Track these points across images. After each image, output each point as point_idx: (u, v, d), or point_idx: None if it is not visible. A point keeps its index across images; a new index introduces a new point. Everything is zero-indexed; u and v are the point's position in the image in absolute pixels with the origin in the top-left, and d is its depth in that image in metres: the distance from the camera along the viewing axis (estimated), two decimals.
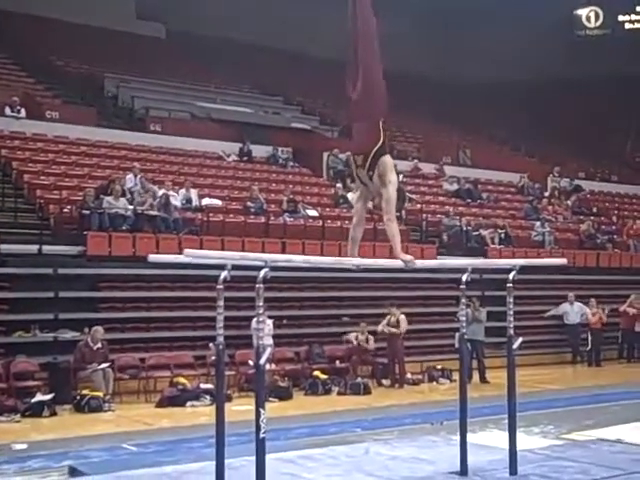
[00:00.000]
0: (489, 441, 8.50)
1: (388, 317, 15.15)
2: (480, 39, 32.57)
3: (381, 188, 6.12)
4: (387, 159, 6.18)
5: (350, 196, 19.65)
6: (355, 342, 15.16)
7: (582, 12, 35.85)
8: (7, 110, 18.42)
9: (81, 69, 23.04)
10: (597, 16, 35.80)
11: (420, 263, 7.06)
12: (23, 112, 18.62)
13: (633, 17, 35.58)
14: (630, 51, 32.69)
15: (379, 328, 15.14)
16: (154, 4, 27.52)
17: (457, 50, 32.53)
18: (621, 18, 35.65)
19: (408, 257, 6.23)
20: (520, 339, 7.22)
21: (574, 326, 18.67)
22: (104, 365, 12.56)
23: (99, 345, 12.72)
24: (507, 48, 32.61)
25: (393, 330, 15.00)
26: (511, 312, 7.29)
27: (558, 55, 32.87)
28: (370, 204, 6.57)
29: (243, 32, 27.71)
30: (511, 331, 7.24)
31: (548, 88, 32.66)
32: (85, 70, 23.01)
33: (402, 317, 15.16)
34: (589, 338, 18.73)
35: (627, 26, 35.58)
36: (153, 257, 6.27)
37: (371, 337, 15.22)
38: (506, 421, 7.25)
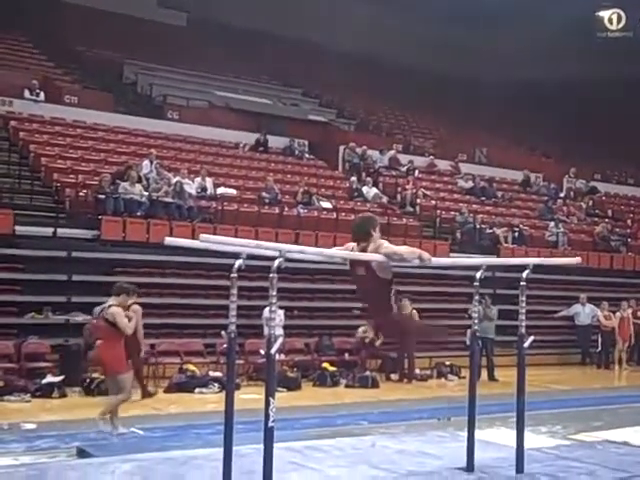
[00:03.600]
0: (496, 438, 8.48)
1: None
2: (499, 39, 32.41)
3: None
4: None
5: (365, 190, 19.68)
6: (362, 336, 15.08)
7: (604, 14, 35.57)
8: (26, 93, 18.53)
9: (101, 55, 23.10)
10: (619, 18, 35.53)
11: (436, 260, 7.05)
12: (42, 96, 18.72)
13: None
14: None
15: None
16: None
17: (476, 49, 32.37)
18: None
19: (425, 254, 6.24)
20: (531, 338, 7.19)
21: (585, 327, 18.62)
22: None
23: None
24: (526, 48, 32.43)
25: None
26: (523, 310, 7.27)
27: (577, 56, 32.66)
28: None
29: (264, 22, 27.66)
30: (523, 329, 7.22)
31: (567, 89, 32.46)
32: (105, 56, 23.07)
33: (414, 312, 15.13)
34: (599, 340, 18.68)
35: None
36: (169, 240, 6.25)
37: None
38: (514, 419, 7.23)
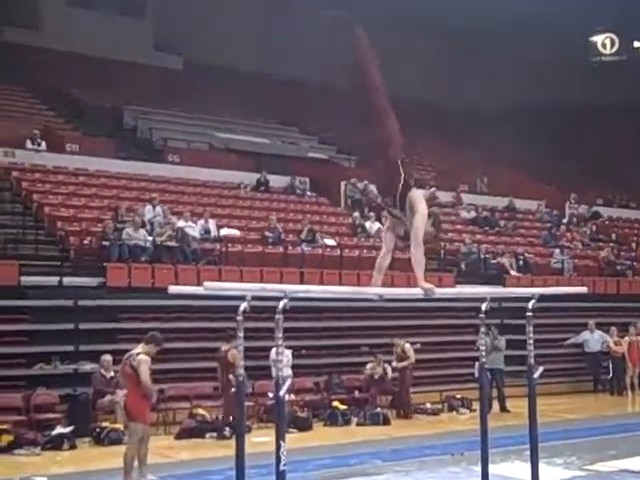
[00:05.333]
0: (511, 472, 8.43)
1: (394, 349, 15.02)
2: (497, 65, 32.68)
3: (412, 218, 6.20)
4: (413, 193, 6.28)
5: (368, 225, 19.69)
6: (370, 372, 14.98)
7: (597, 39, 35.90)
8: (28, 143, 18.66)
9: (100, 101, 23.31)
10: (612, 43, 35.84)
11: (440, 292, 7.05)
12: (44, 145, 18.85)
13: None
14: None
15: (393, 365, 14.99)
16: (171, 36, 27.84)
17: (474, 77, 32.62)
18: (637, 45, 35.66)
19: (428, 285, 6.23)
20: (541, 368, 7.16)
21: (595, 354, 18.50)
22: (121, 393, 12.48)
23: (112, 374, 12.71)
24: (524, 75, 32.69)
25: (403, 364, 14.82)
26: (531, 341, 7.24)
27: (576, 81, 32.94)
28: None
29: (258, 64, 27.94)
30: (532, 360, 7.19)
31: (565, 115, 32.66)
32: (104, 102, 23.27)
33: (407, 346, 14.97)
34: (610, 366, 18.54)
35: None
36: (173, 289, 6.28)
37: (389, 367, 15.08)
38: (528, 452, 7.17)
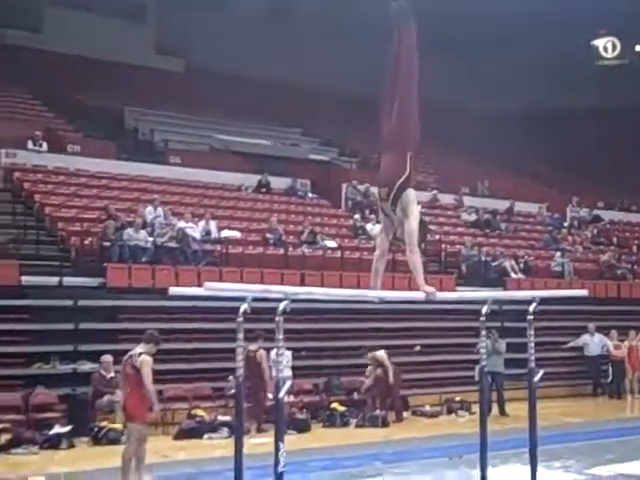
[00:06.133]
0: (510, 476, 8.41)
1: (370, 368, 14.70)
2: (498, 69, 32.69)
3: (404, 220, 6.18)
4: (410, 192, 6.27)
5: (369, 227, 19.69)
6: (367, 375, 14.91)
7: (599, 43, 35.86)
8: (29, 144, 18.66)
9: (102, 103, 23.28)
10: (614, 47, 35.79)
11: (441, 295, 7.05)
12: (45, 146, 18.84)
13: None
14: None
15: (367, 382, 14.67)
16: (173, 40, 27.86)
17: (476, 80, 32.63)
18: (639, 48, 35.64)
19: (430, 289, 6.23)
20: (541, 372, 7.15)
21: (595, 358, 18.49)
22: (120, 393, 12.46)
23: (112, 374, 12.70)
24: (525, 78, 32.69)
25: (383, 376, 14.44)
26: (532, 344, 7.24)
27: (577, 85, 32.92)
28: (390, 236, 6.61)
29: (260, 66, 27.93)
30: (532, 364, 7.19)
31: (567, 118, 32.66)
32: (105, 104, 23.23)
33: (378, 353, 14.61)
34: (610, 370, 18.53)
35: None
36: (173, 290, 6.29)
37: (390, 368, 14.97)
38: (527, 455, 7.17)
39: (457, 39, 30.97)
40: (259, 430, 12.48)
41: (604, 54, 35.82)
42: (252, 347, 12.82)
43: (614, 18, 30.55)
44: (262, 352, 12.86)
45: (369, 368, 15.00)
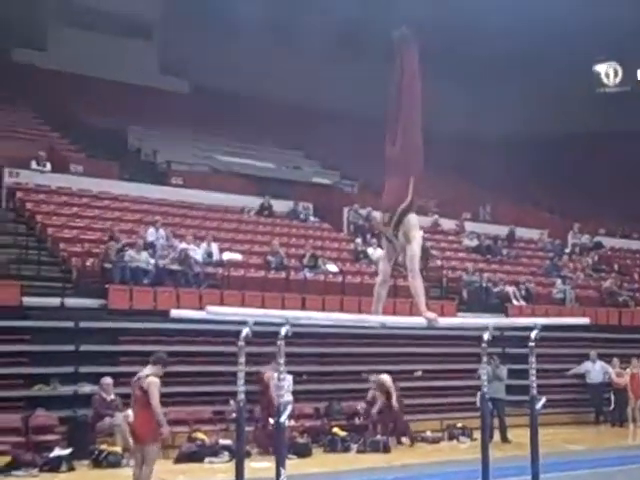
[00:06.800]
0: None
1: (371, 392, 14.64)
2: (501, 95, 32.79)
3: (406, 245, 6.19)
4: (412, 217, 6.29)
5: (370, 251, 19.69)
6: (369, 399, 14.83)
7: (601, 68, 35.93)
8: (33, 164, 18.69)
9: (105, 123, 23.37)
10: (616, 73, 35.87)
11: (443, 321, 7.03)
12: (48, 166, 18.88)
13: None
14: None
15: (376, 406, 14.59)
16: (177, 60, 28.01)
17: (478, 106, 32.75)
18: None
19: (432, 315, 6.22)
20: (544, 399, 7.13)
21: (597, 385, 18.41)
22: (121, 415, 12.39)
23: (112, 397, 12.65)
24: (528, 104, 32.77)
25: (387, 401, 14.44)
26: (534, 371, 7.21)
27: (579, 111, 33.01)
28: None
29: (263, 88, 28.06)
30: (534, 391, 7.16)
31: (569, 144, 32.75)
32: (109, 124, 23.31)
33: (382, 377, 14.58)
34: (612, 398, 18.44)
35: None
36: (175, 312, 6.30)
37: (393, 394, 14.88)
38: None
39: (459, 67, 31.16)
40: (262, 453, 12.38)
41: (606, 81, 35.93)
42: (263, 369, 12.83)
43: (616, 44, 30.74)
44: (269, 374, 12.81)
45: (370, 392, 14.93)
